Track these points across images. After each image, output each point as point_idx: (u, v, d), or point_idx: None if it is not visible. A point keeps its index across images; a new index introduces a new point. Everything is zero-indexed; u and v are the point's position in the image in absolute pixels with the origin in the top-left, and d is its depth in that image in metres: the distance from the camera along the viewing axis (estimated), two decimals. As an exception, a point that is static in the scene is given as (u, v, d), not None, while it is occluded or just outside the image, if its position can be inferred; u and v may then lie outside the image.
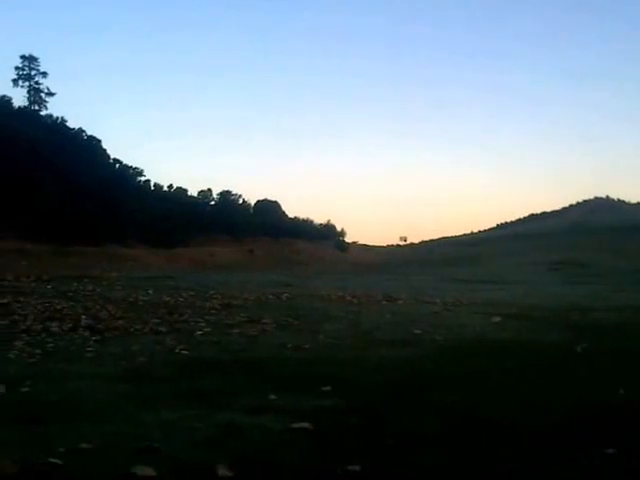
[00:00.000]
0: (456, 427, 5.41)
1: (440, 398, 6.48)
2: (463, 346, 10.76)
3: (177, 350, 9.83)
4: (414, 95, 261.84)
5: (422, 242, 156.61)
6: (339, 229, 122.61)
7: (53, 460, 4.20)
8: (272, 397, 6.40)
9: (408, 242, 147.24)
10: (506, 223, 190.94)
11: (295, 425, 5.27)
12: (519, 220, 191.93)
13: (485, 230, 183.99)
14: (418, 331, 12.65)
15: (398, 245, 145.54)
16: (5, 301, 16.35)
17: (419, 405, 6.20)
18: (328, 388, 6.80)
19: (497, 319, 15.18)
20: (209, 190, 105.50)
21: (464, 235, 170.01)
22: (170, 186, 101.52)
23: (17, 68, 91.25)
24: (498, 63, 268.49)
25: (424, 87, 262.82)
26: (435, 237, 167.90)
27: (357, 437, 5.05)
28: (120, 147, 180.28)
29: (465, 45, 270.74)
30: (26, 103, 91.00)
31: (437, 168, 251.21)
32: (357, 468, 4.23)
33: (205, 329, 12.62)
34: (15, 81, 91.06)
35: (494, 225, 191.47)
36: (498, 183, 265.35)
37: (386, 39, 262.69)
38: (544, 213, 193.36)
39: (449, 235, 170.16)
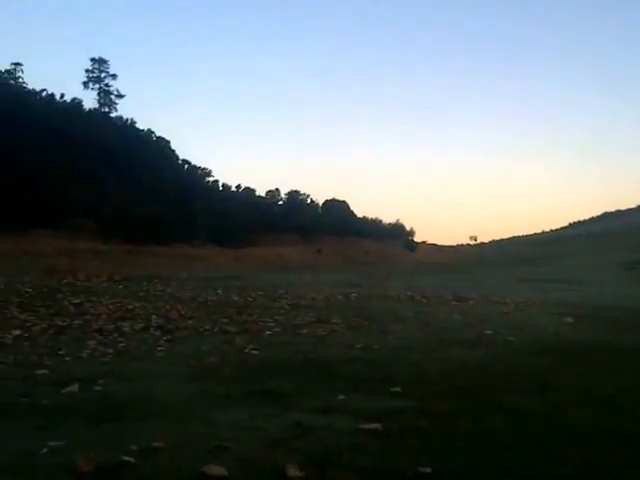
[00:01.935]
0: (530, 429, 5.28)
1: (513, 400, 6.34)
2: (536, 347, 10.51)
3: (246, 350, 9.87)
4: (484, 92, 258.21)
5: (492, 241, 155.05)
6: (408, 228, 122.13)
7: (126, 458, 4.24)
8: (341, 397, 6.36)
9: (478, 241, 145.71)
10: (579, 222, 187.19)
11: (365, 426, 5.22)
12: (592, 219, 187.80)
13: (557, 229, 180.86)
14: (489, 331, 12.45)
15: (468, 244, 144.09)
16: (78, 301, 16.74)
17: (491, 407, 6.07)
18: (398, 389, 6.73)
19: (570, 320, 14.84)
20: (277, 190, 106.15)
21: (535, 234, 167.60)
22: (238, 186, 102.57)
23: (87, 71, 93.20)
24: (567, 58, 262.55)
25: (489, 83, 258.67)
26: (506, 236, 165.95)
27: (428, 438, 4.97)
28: (188, 147, 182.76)
29: (533, 39, 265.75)
30: (96, 105, 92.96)
31: (508, 166, 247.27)
32: (428, 470, 4.17)
33: (274, 329, 12.67)
34: (85, 84, 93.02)
35: (566, 224, 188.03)
36: (571, 181, 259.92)
37: (450, 30, 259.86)
38: (618, 211, 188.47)
39: (520, 234, 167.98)
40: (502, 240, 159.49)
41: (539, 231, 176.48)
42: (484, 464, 4.39)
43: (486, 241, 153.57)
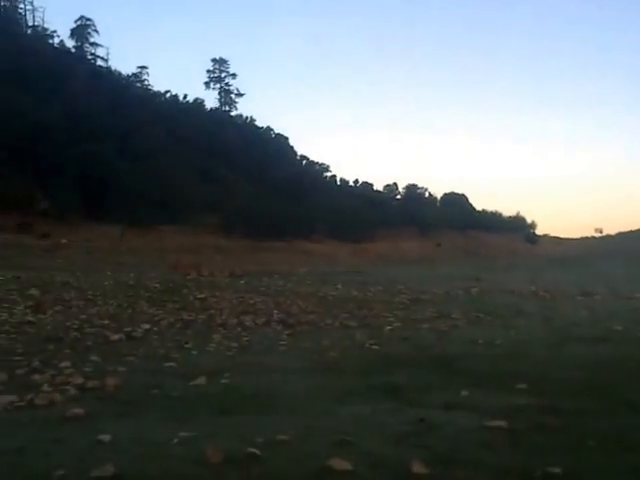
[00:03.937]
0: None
1: (646, 399, 6.06)
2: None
3: (367, 345, 9.89)
4: (604, 82, 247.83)
5: (619, 233, 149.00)
6: (529, 221, 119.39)
7: (252, 450, 4.30)
8: (464, 394, 6.26)
9: (604, 233, 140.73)
10: None
11: (489, 423, 5.10)
12: None
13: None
14: (618, 327, 11.96)
15: (593, 237, 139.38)
16: (203, 296, 17.21)
17: (622, 405, 5.83)
18: (523, 386, 6.56)
19: None
20: (395, 184, 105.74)
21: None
22: (356, 181, 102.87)
23: (209, 71, 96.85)
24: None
25: (614, 75, 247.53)
26: (634, 228, 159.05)
27: (556, 437, 4.81)
28: (306, 143, 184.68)
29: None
30: (217, 104, 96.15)
31: (634, 153, 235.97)
32: (558, 470, 4.01)
33: (394, 324, 12.65)
34: (207, 84, 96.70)
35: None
36: None
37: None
38: None
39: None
40: (630, 232, 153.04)
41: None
42: (616, 465, 4.21)
43: (612, 233, 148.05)
